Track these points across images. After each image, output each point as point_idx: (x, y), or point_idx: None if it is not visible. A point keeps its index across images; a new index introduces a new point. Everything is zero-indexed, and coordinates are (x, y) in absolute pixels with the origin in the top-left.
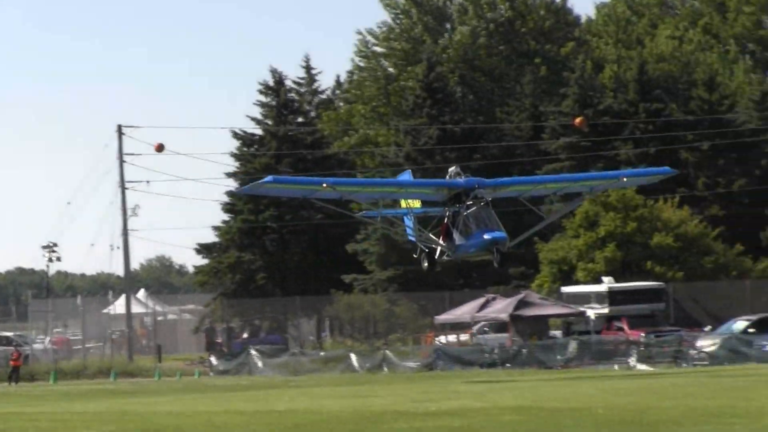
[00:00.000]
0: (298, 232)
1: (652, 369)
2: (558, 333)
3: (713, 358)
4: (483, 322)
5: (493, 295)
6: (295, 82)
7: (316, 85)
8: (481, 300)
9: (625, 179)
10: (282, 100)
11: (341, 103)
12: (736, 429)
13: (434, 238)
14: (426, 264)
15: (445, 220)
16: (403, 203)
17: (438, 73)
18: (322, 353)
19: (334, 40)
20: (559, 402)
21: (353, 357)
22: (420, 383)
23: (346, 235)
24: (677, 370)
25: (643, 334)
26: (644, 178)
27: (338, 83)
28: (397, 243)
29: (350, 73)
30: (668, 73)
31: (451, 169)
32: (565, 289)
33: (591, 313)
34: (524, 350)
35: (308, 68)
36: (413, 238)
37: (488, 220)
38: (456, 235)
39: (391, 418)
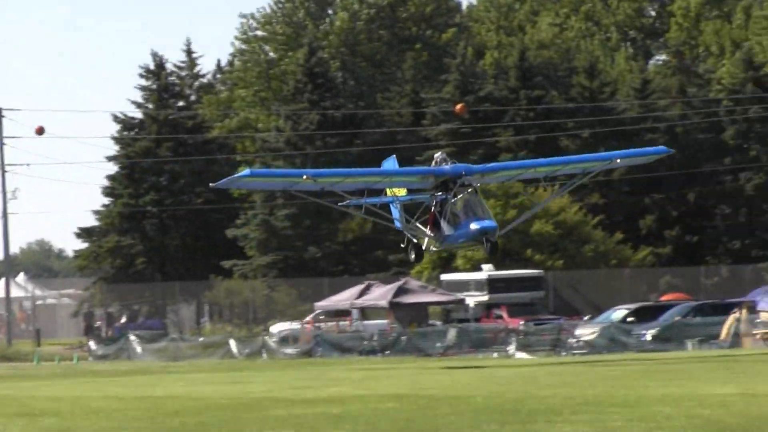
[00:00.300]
0: (178, 217)
1: (531, 357)
2: (437, 321)
3: (592, 347)
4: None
5: (372, 282)
6: (176, 66)
7: (197, 69)
8: (361, 286)
9: (618, 161)
10: (163, 84)
11: (222, 87)
12: (614, 418)
13: (421, 228)
14: (413, 256)
15: (432, 209)
16: (388, 191)
17: (319, 59)
18: (201, 339)
19: (216, 24)
20: (438, 390)
21: (232, 343)
22: (299, 370)
23: (226, 220)
24: (556, 358)
25: (522, 322)
26: (638, 158)
27: (219, 68)
28: (278, 228)
29: (231, 57)
30: (549, 60)
31: (437, 155)
32: (445, 277)
33: (470, 301)
34: (403, 337)
35: (189, 52)
36: (400, 227)
37: (477, 208)
38: (444, 225)
39: (269, 404)
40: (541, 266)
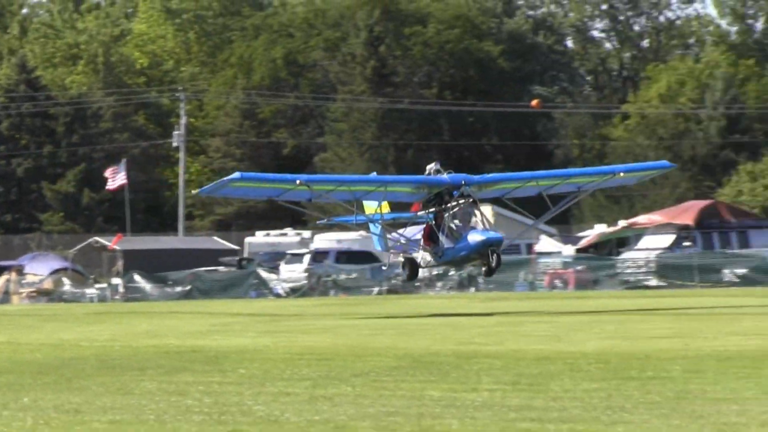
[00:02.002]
0: None
1: None
2: None
3: None
4: None
5: None
6: None
7: None
8: None
9: (622, 174)
10: None
11: None
12: None
13: (414, 242)
14: (408, 273)
15: (427, 222)
16: (366, 208)
17: None
18: None
19: None
20: None
21: None
22: None
23: None
24: None
25: None
26: (642, 173)
27: None
28: None
29: None
30: None
31: (431, 165)
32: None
33: None
34: None
35: None
36: (382, 248)
37: (480, 220)
38: (442, 238)
39: None
40: None
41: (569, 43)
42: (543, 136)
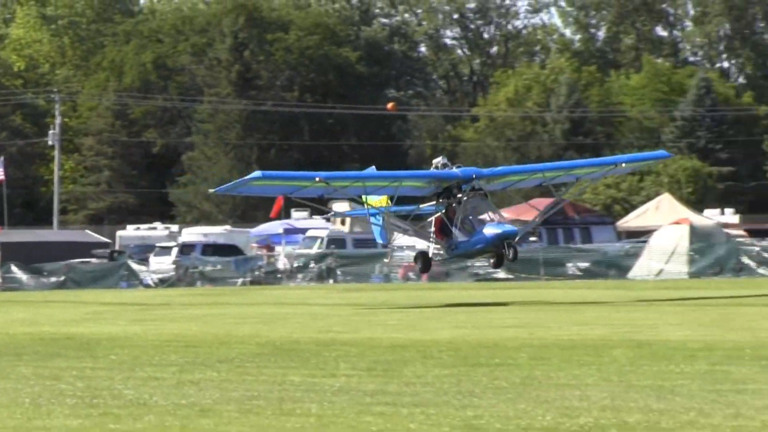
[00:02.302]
0: None
1: None
2: None
3: None
4: None
5: None
6: None
7: None
8: None
9: (624, 165)
10: None
11: None
12: None
13: (425, 235)
14: (421, 266)
15: (437, 216)
16: (368, 200)
17: None
18: None
19: None
20: None
21: None
22: None
23: None
24: None
25: None
26: (642, 162)
27: None
28: None
29: None
30: None
31: (437, 160)
32: None
33: None
34: None
35: None
36: (384, 240)
37: (492, 213)
38: (456, 232)
39: None
40: None
41: (423, 49)
42: (398, 136)
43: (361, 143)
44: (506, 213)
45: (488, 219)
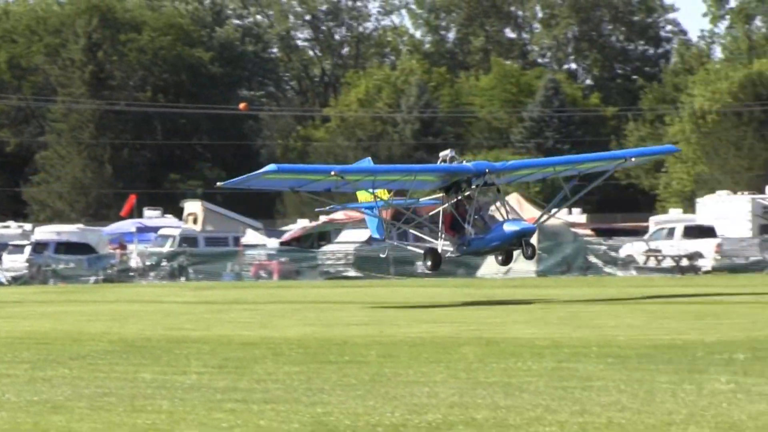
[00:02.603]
0: None
1: None
2: None
3: None
4: None
5: None
6: None
7: None
8: None
9: (633, 159)
10: None
11: None
12: None
13: (434, 232)
14: (430, 263)
15: (446, 211)
16: (361, 196)
17: None
18: None
19: None
20: None
21: None
22: None
23: None
24: None
25: None
26: (650, 157)
27: None
28: None
29: None
30: None
31: (445, 153)
32: None
33: None
34: None
35: None
36: (381, 235)
37: (506, 208)
38: (468, 229)
39: None
40: None
41: (275, 50)
42: (249, 136)
43: (212, 143)
44: (356, 213)
45: (503, 215)
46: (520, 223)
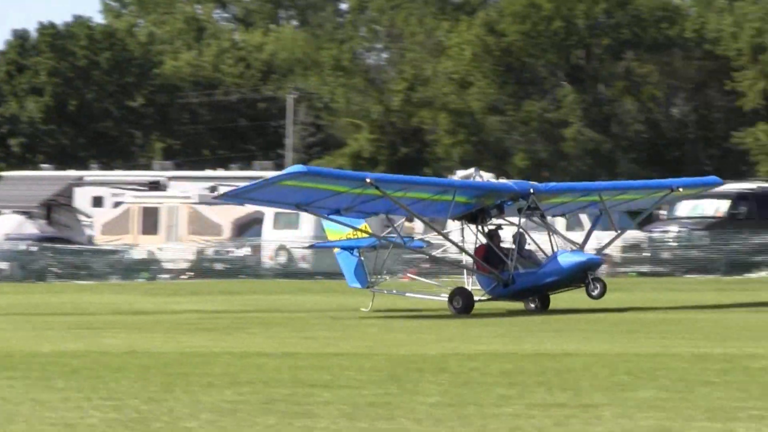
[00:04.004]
0: None
1: None
2: None
3: None
4: None
5: None
6: None
7: None
8: None
9: (680, 189)
10: None
11: None
12: None
13: (468, 266)
14: (461, 308)
15: (483, 242)
16: (329, 232)
17: None
18: None
19: None
20: None
21: None
22: None
23: None
24: None
25: None
26: (695, 189)
27: None
28: None
29: None
30: None
31: (467, 172)
32: None
33: None
34: None
35: None
36: (360, 283)
37: (557, 238)
38: (515, 262)
39: None
40: None
41: None
42: None
43: None
44: None
45: (554, 246)
46: (582, 254)
